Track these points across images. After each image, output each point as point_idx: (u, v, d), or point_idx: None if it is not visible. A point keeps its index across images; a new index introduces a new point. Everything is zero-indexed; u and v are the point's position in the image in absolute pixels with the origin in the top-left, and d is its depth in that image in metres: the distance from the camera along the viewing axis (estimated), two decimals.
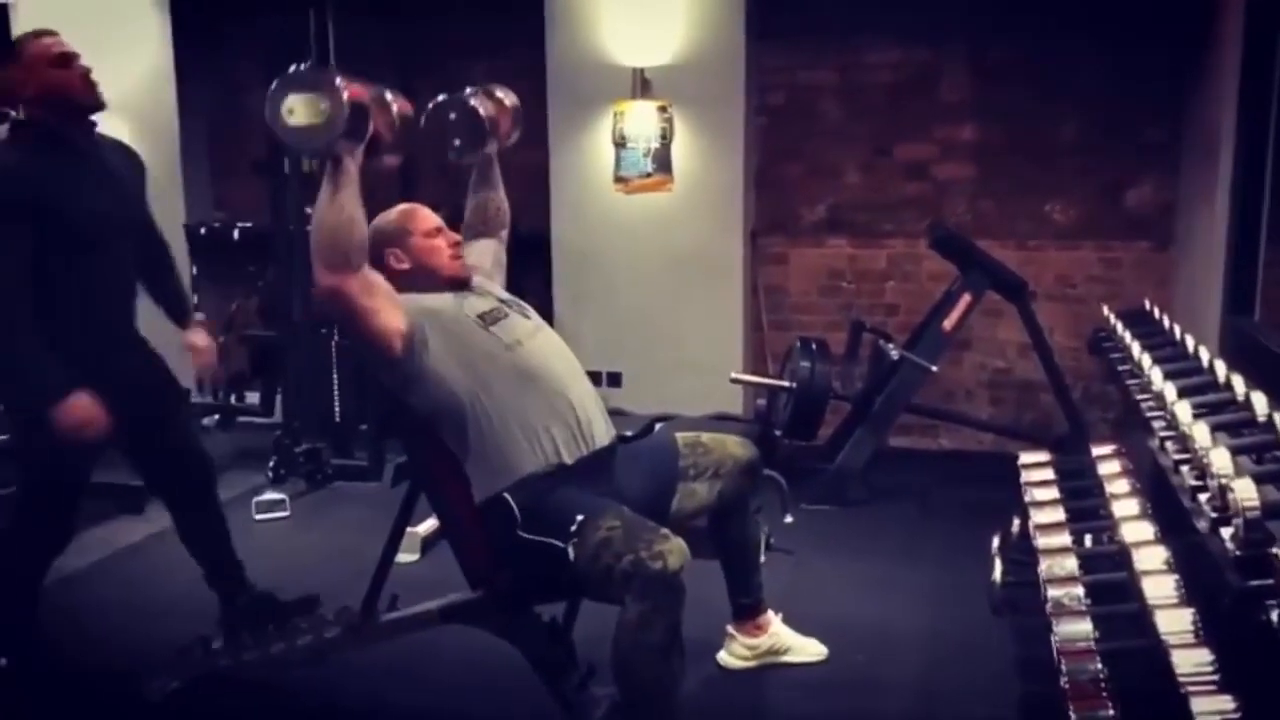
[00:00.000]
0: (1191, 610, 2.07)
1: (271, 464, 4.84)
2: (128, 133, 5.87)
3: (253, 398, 5.55)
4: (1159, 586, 2.18)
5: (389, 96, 2.54)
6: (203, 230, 5.76)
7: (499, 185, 3.07)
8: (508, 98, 3.06)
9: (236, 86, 6.16)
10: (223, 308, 5.96)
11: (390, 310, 2.50)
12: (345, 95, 2.30)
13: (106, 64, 5.75)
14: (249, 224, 5.74)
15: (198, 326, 3.27)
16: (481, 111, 2.90)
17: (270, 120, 2.34)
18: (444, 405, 2.55)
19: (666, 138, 5.35)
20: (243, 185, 5.95)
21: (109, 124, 5.87)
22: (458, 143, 2.88)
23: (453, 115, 2.90)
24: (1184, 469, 2.35)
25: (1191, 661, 1.93)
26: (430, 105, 2.92)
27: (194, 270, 5.86)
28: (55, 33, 2.88)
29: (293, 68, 2.35)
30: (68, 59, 2.84)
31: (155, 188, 5.81)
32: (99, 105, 2.89)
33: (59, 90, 2.81)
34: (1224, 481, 2.00)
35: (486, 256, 3.00)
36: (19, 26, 5.88)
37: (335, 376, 5.05)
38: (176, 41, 5.85)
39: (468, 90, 2.95)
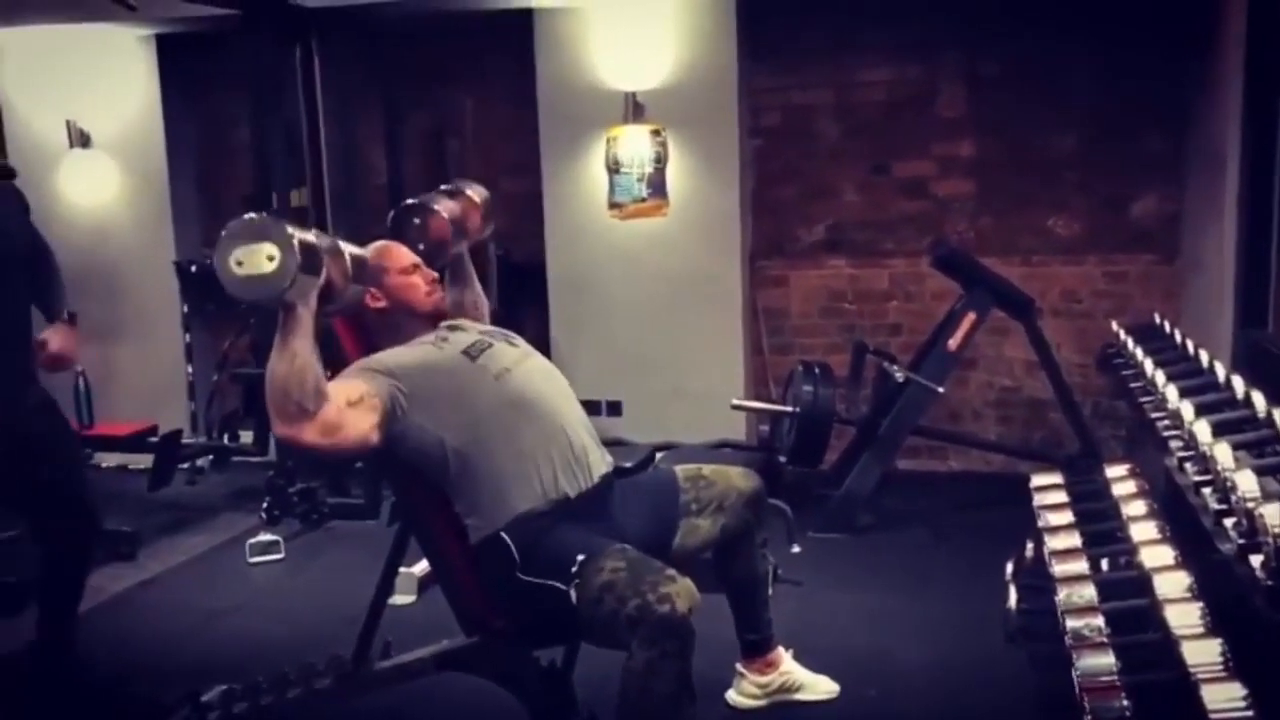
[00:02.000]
0: (1219, 640, 1.97)
1: (265, 504, 4.74)
2: (117, 170, 5.88)
3: (246, 437, 5.45)
4: (1183, 615, 2.08)
5: (341, 244, 2.47)
6: (193, 267, 5.69)
7: (474, 282, 3.01)
8: (476, 194, 3.02)
9: (224, 122, 6.11)
10: (214, 346, 5.90)
11: (356, 421, 2.39)
12: (295, 242, 2.22)
13: (94, 102, 5.85)
14: None
15: (62, 327, 3.15)
16: (445, 214, 2.85)
17: (218, 270, 2.25)
18: (435, 455, 2.47)
19: (661, 162, 5.29)
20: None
21: (97, 162, 5.92)
22: (422, 248, 2.81)
23: (416, 221, 2.86)
24: (1205, 491, 2.26)
25: (1222, 696, 1.83)
26: (392, 213, 2.89)
27: (184, 308, 5.80)
28: None
29: (242, 218, 2.28)
30: None
31: (144, 226, 5.89)
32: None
33: None
34: (1251, 506, 1.91)
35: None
36: (4, 67, 5.88)
37: None
38: (163, 78, 5.81)
39: (435, 192, 2.94)
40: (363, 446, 2.43)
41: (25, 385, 3.06)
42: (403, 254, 2.71)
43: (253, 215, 2.31)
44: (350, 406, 2.38)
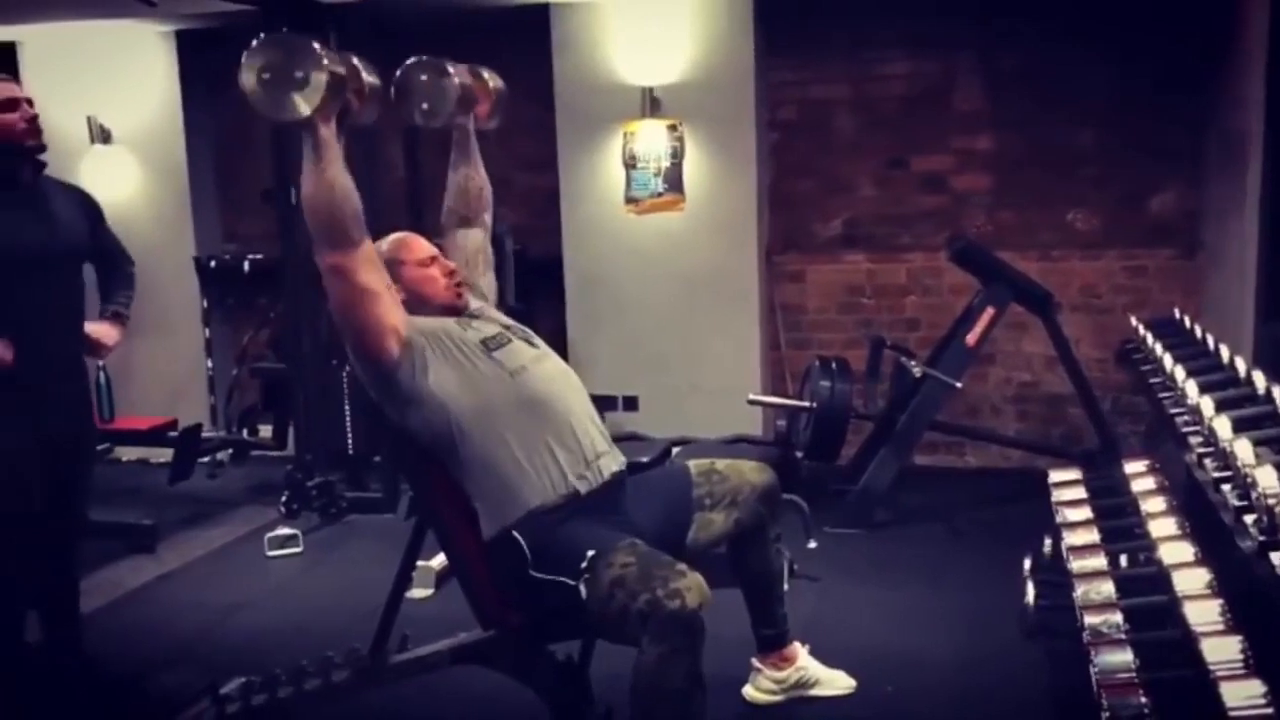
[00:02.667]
0: (1239, 638, 1.96)
1: (284, 498, 4.76)
2: (137, 166, 5.91)
3: (265, 431, 5.48)
4: (1203, 612, 2.07)
5: (358, 63, 2.50)
6: (213, 263, 5.73)
7: (479, 162, 2.97)
8: (491, 79, 3.01)
9: (243, 118, 6.11)
10: (234, 340, 5.93)
11: (390, 303, 2.46)
12: (324, 62, 2.26)
13: (114, 98, 5.88)
14: (259, 255, 5.70)
15: (112, 321, 3.28)
16: (455, 77, 2.83)
17: (242, 81, 2.29)
18: (445, 432, 2.47)
19: (677, 157, 5.28)
20: (252, 217, 5.91)
21: (118, 158, 5.95)
22: (425, 106, 2.82)
23: (423, 77, 2.84)
24: (1225, 487, 2.24)
25: (1242, 694, 1.82)
26: (402, 66, 2.86)
27: (204, 303, 5.83)
28: (6, 76, 3.00)
29: (270, 34, 2.33)
30: (14, 103, 2.94)
31: (164, 221, 5.92)
32: (40, 148, 3.01)
33: (5, 132, 2.90)
34: (1272, 503, 1.89)
35: (476, 253, 2.91)
36: (27, 63, 5.91)
37: (348, 408, 4.99)
38: (183, 74, 5.85)
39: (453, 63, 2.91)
40: (381, 332, 2.44)
41: (69, 384, 3.10)
42: (421, 245, 2.71)
43: (283, 32, 2.34)
44: (389, 288, 2.46)
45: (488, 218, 2.98)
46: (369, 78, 2.54)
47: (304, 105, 2.28)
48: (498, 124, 3.09)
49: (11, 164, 2.93)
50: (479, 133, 3.00)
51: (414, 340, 2.47)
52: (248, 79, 2.29)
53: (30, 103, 2.98)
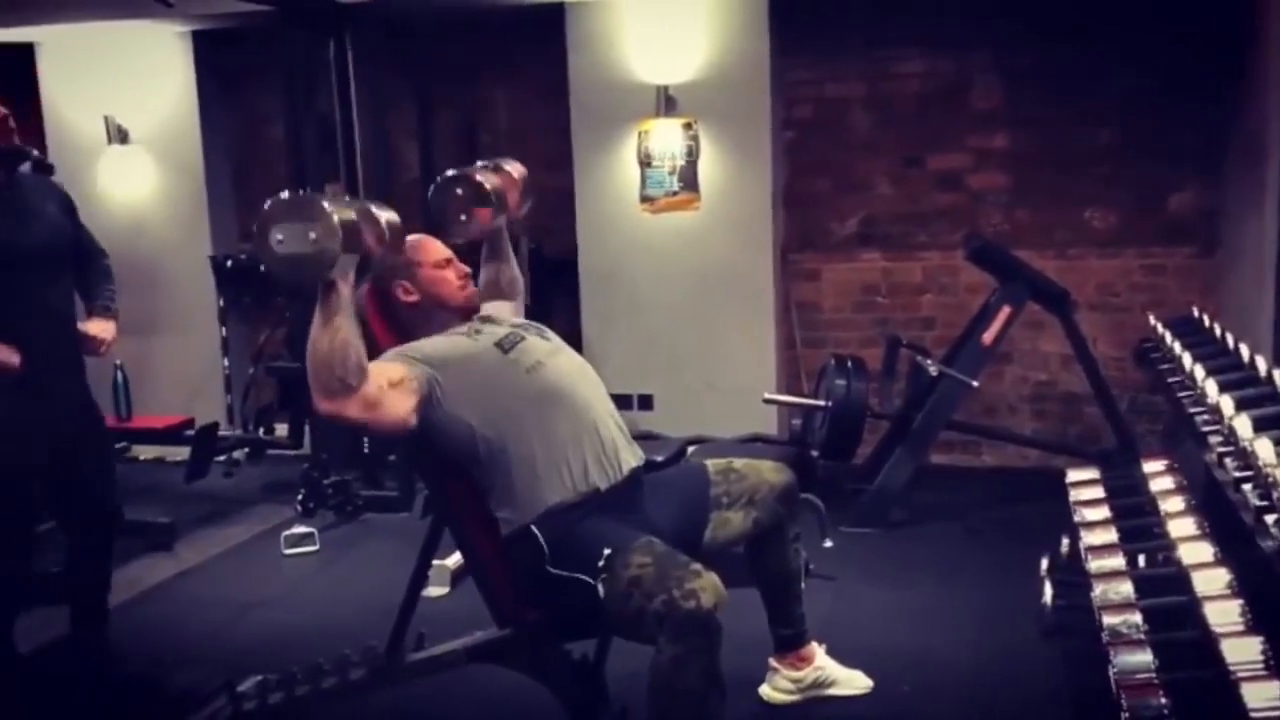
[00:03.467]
0: (1260, 639, 1.95)
1: (300, 497, 4.78)
2: (154, 166, 5.94)
3: (281, 430, 5.50)
4: (1223, 613, 2.05)
5: (374, 209, 2.45)
6: (228, 262, 5.74)
7: (510, 258, 3.03)
8: (515, 170, 3.02)
9: (259, 117, 6.16)
10: (250, 339, 5.95)
11: (395, 402, 2.40)
12: (337, 220, 2.20)
13: (132, 98, 5.91)
14: None
15: (103, 315, 3.26)
16: (487, 185, 2.85)
17: (258, 249, 2.25)
18: (464, 443, 2.48)
19: (692, 155, 5.28)
20: None
21: (135, 158, 5.98)
22: (464, 218, 2.82)
23: (459, 191, 2.85)
24: (1246, 487, 2.22)
25: (1263, 695, 1.81)
26: (436, 181, 2.89)
27: (220, 302, 5.86)
28: None
29: (282, 195, 2.27)
30: None
31: (181, 220, 5.95)
32: (17, 151, 2.99)
33: None
34: None
35: (505, 312, 2.93)
36: (44, 64, 5.95)
37: None
38: (200, 75, 5.87)
39: (475, 165, 2.94)
40: (401, 427, 2.44)
41: (69, 381, 3.12)
42: (436, 248, 2.71)
43: (293, 193, 2.31)
44: (391, 387, 2.39)
45: (519, 302, 3.04)
46: (385, 217, 2.48)
47: (320, 265, 2.22)
48: (529, 208, 3.10)
49: None
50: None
51: (423, 390, 2.45)
52: (262, 243, 2.24)
53: None
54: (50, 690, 3.26)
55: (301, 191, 2.40)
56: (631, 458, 2.60)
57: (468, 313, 2.69)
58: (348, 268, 2.28)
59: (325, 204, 2.24)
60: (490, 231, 2.96)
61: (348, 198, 2.43)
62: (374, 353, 2.61)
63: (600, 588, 2.32)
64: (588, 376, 2.67)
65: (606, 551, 2.33)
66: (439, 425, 2.47)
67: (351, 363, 2.30)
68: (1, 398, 2.85)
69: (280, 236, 2.22)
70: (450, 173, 2.90)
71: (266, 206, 2.26)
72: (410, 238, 2.73)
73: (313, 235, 2.20)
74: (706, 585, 2.22)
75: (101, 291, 3.29)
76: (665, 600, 2.21)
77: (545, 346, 2.65)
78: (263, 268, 2.30)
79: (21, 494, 2.98)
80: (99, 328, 3.22)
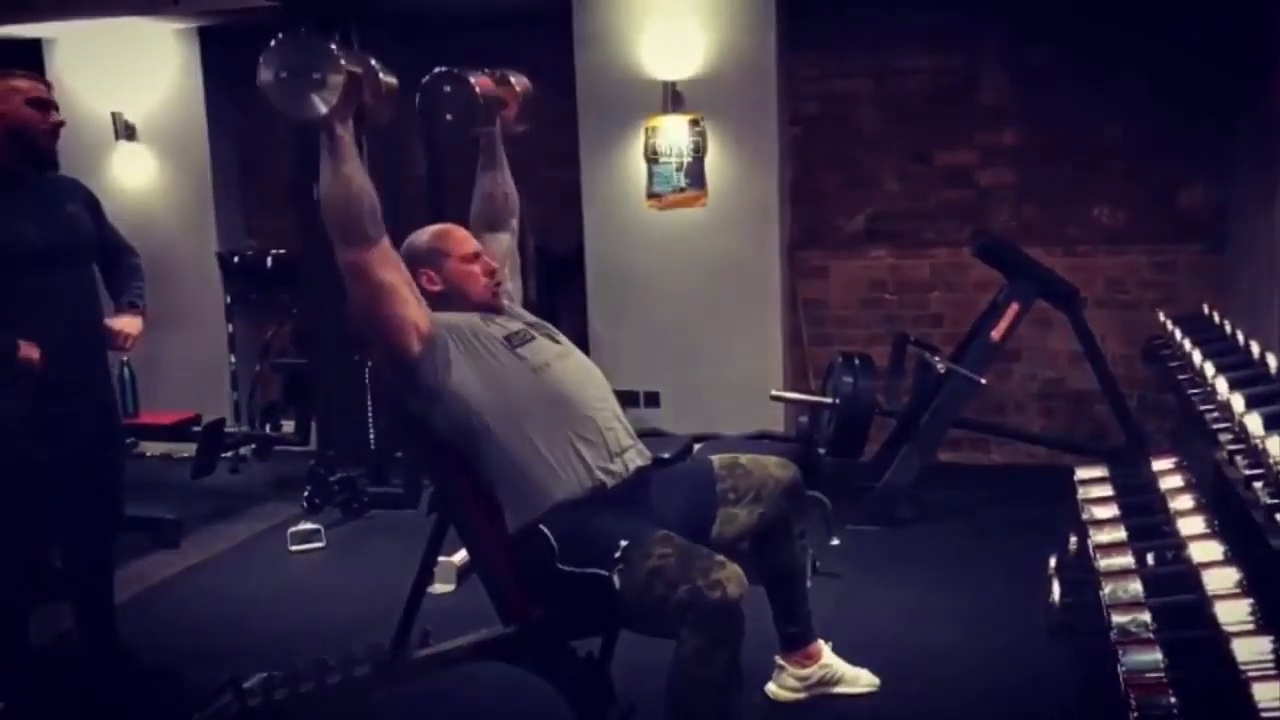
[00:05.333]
0: (1270, 638, 1.93)
1: (306, 493, 4.78)
2: (161, 162, 5.94)
3: (288, 426, 5.50)
4: (1233, 611, 2.04)
5: (375, 64, 2.49)
6: (235, 258, 5.75)
7: (505, 168, 2.98)
8: (518, 82, 2.99)
9: (266, 114, 6.13)
10: (256, 336, 5.95)
11: (411, 299, 2.45)
12: (342, 63, 2.26)
13: (138, 94, 5.91)
14: (282, 251, 5.71)
15: (130, 312, 3.27)
16: (478, 88, 2.82)
17: (260, 78, 2.31)
18: (467, 427, 2.47)
19: (699, 152, 5.26)
20: (274, 213, 5.93)
21: (142, 154, 5.99)
22: (449, 118, 2.81)
23: (447, 88, 2.83)
24: (1257, 484, 2.21)
25: (1273, 695, 1.79)
26: (426, 77, 2.85)
27: (227, 299, 5.86)
28: (37, 77, 2.99)
29: (289, 33, 2.33)
30: (45, 105, 2.93)
31: (188, 216, 5.96)
32: (53, 156, 3.04)
33: (26, 128, 2.89)
34: None
35: (503, 257, 2.89)
36: (54, 60, 5.96)
37: (370, 403, 4.99)
38: (206, 71, 5.88)
39: (479, 70, 2.90)
40: (403, 329, 2.43)
41: (92, 381, 3.11)
42: (466, 240, 2.70)
43: (301, 32, 2.35)
44: (408, 284, 2.45)
45: (515, 223, 2.99)
46: (386, 78, 2.54)
47: (321, 104, 2.28)
48: (527, 127, 3.06)
49: (24, 163, 2.92)
50: (511, 137, 2.99)
51: (436, 336, 2.47)
52: (266, 77, 2.30)
53: (57, 108, 2.98)
54: (58, 684, 3.26)
55: (308, 32, 2.42)
56: (638, 458, 2.59)
57: (489, 309, 2.67)
58: (347, 111, 2.32)
59: (333, 47, 2.29)
60: (483, 137, 2.92)
61: (355, 51, 2.47)
62: None
63: (616, 580, 2.30)
64: (596, 379, 2.66)
65: (623, 543, 2.32)
66: (444, 396, 2.46)
67: (367, 209, 2.35)
68: (24, 395, 2.85)
69: (284, 72, 2.29)
70: (440, 70, 2.86)
71: (274, 40, 2.31)
72: (439, 227, 2.73)
73: (315, 75, 2.27)
74: (731, 575, 2.21)
75: (129, 288, 3.30)
76: (689, 590, 2.20)
77: (554, 348, 2.64)
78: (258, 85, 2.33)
79: (41, 491, 2.98)
80: (125, 323, 3.23)
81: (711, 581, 2.19)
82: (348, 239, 2.36)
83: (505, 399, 2.47)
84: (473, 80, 2.83)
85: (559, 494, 2.44)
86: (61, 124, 2.98)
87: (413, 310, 2.45)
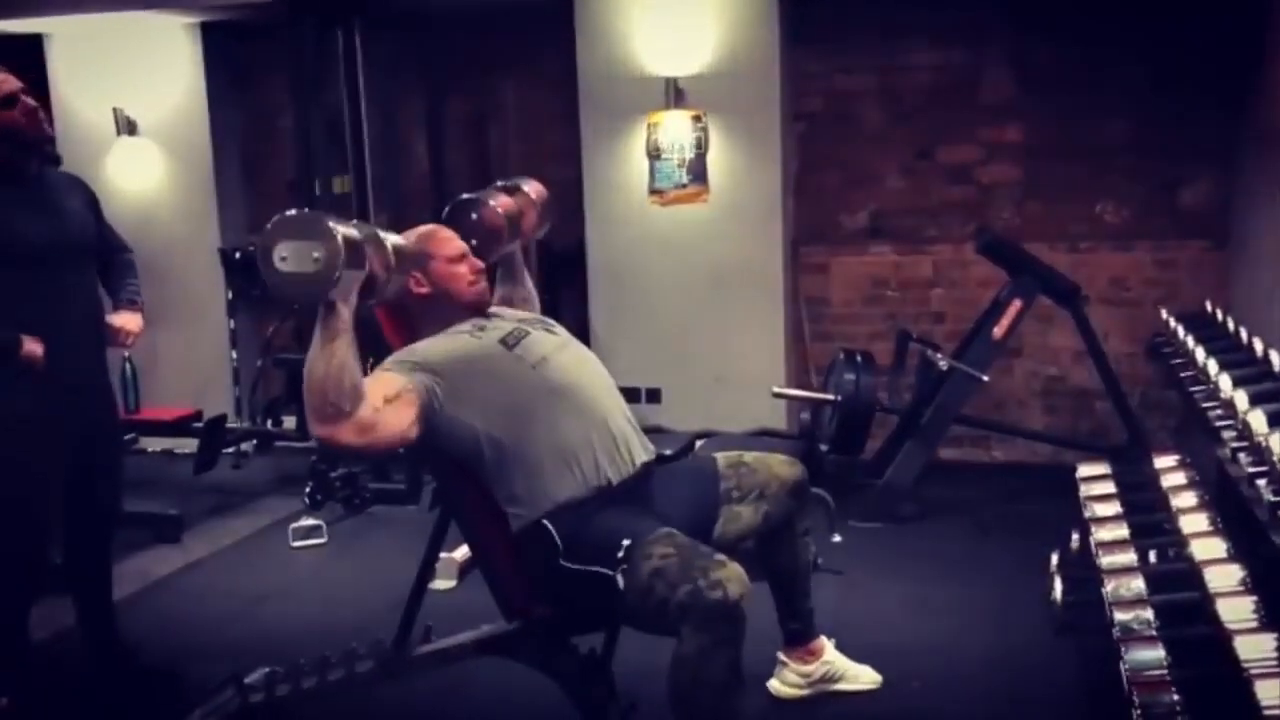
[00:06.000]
0: (1274, 635, 1.93)
1: (308, 489, 4.77)
2: (162, 158, 5.93)
3: (290, 422, 5.49)
4: (1236, 609, 2.04)
5: (382, 234, 2.43)
6: (237, 254, 5.74)
7: (525, 279, 3.00)
8: (533, 190, 2.99)
9: (268, 110, 6.15)
10: (258, 331, 5.95)
11: (393, 419, 2.36)
12: (341, 239, 2.19)
13: (140, 90, 5.90)
14: None
15: (129, 309, 3.27)
16: (500, 210, 2.82)
17: (261, 266, 2.23)
18: (469, 445, 2.46)
19: (702, 148, 5.25)
20: (276, 209, 5.89)
21: (143, 149, 5.98)
22: (474, 243, 2.77)
23: (472, 216, 2.83)
24: (1260, 482, 2.21)
25: (1276, 692, 1.80)
26: (449, 205, 2.86)
27: (229, 294, 5.86)
28: (2, 70, 2.92)
29: (287, 214, 2.25)
30: (12, 99, 2.87)
31: (190, 212, 5.95)
32: (45, 139, 3.01)
33: (11, 127, 2.85)
34: None
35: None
36: (53, 55, 5.95)
37: None
38: (208, 66, 5.86)
39: (493, 187, 2.92)
40: (400, 443, 2.42)
41: (93, 377, 3.11)
42: (451, 241, 2.68)
43: (298, 211, 2.29)
44: (387, 403, 2.36)
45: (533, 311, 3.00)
46: (391, 240, 2.45)
47: (323, 285, 2.21)
48: (548, 227, 3.07)
49: (18, 158, 2.89)
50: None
51: (424, 399, 2.42)
52: (265, 260, 2.22)
53: (26, 92, 2.90)
54: (60, 681, 3.26)
55: (307, 209, 2.38)
56: (642, 451, 2.58)
57: (477, 309, 2.66)
58: (349, 289, 2.27)
59: (330, 223, 2.22)
60: (505, 254, 2.94)
61: (356, 220, 2.40)
62: (383, 351, 2.60)
63: (620, 579, 2.30)
64: (596, 370, 2.65)
65: (626, 542, 2.31)
66: (442, 430, 2.45)
67: (346, 387, 2.27)
68: (28, 391, 2.84)
69: (284, 254, 2.20)
70: (464, 196, 2.87)
71: (271, 224, 2.24)
72: (424, 229, 2.71)
73: (316, 255, 2.18)
74: (732, 575, 2.21)
75: (126, 285, 3.30)
76: (690, 590, 2.19)
77: (552, 341, 2.63)
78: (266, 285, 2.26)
79: (44, 488, 2.98)
80: (126, 320, 3.23)
81: (712, 581, 2.19)
82: (322, 415, 2.28)
83: (505, 403, 2.46)
84: (493, 203, 2.83)
85: (564, 493, 2.43)
86: (35, 108, 2.91)
87: (399, 426, 2.37)
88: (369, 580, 4.02)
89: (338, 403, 2.27)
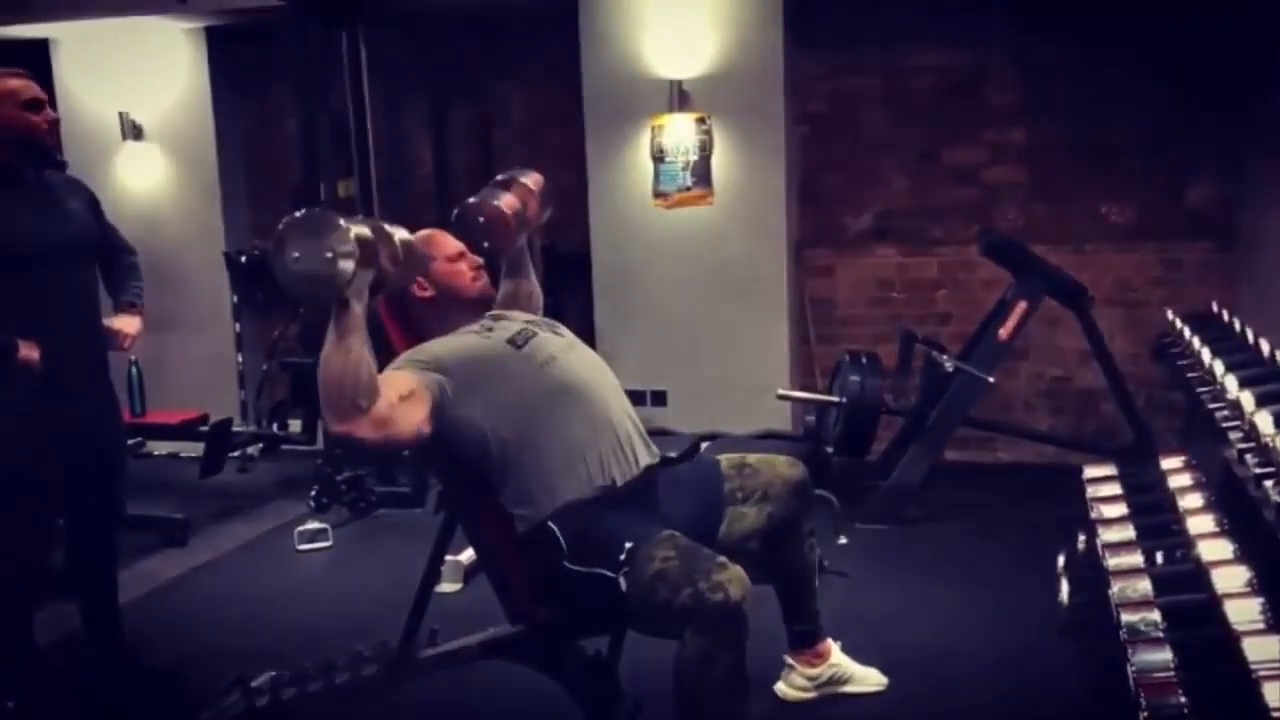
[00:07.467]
0: None
1: (314, 492, 4.78)
2: (168, 162, 5.95)
3: (295, 425, 5.50)
4: (1243, 611, 2.03)
5: (388, 228, 2.43)
6: (242, 258, 5.75)
7: (530, 273, 2.99)
8: (532, 181, 2.97)
9: (273, 113, 6.16)
10: (264, 335, 5.96)
11: (407, 416, 2.37)
12: (353, 238, 2.19)
13: (145, 94, 5.92)
14: None
15: (129, 311, 3.28)
16: (506, 209, 2.81)
17: (274, 267, 2.24)
18: (476, 444, 2.46)
19: (706, 150, 5.26)
20: (281, 212, 5.89)
21: (149, 154, 5.99)
22: (486, 245, 2.78)
23: (480, 220, 2.81)
24: (1267, 483, 2.20)
25: None
26: (455, 212, 2.85)
27: (234, 298, 5.87)
28: (27, 75, 2.94)
29: (297, 214, 2.25)
30: (40, 104, 2.91)
31: (195, 216, 5.97)
32: (56, 151, 3.03)
33: (26, 132, 2.88)
34: None
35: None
36: (59, 60, 5.97)
37: None
38: (213, 70, 5.88)
39: (492, 182, 2.90)
40: (415, 440, 2.43)
41: (93, 379, 3.11)
42: (448, 241, 2.69)
43: (308, 211, 2.29)
44: (402, 401, 2.37)
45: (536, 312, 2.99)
46: (399, 236, 2.46)
47: (337, 284, 2.21)
48: (549, 213, 3.06)
49: (20, 162, 2.90)
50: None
51: (435, 398, 2.42)
52: (278, 261, 2.23)
53: (49, 104, 2.96)
54: (65, 684, 3.26)
55: (318, 209, 2.37)
56: (647, 454, 2.58)
57: (482, 305, 2.67)
58: (362, 286, 2.27)
59: (342, 221, 2.22)
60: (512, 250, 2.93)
61: (362, 216, 2.39)
62: (388, 355, 2.60)
63: (622, 581, 2.29)
64: (602, 371, 2.65)
65: (628, 545, 2.31)
66: (450, 429, 2.45)
67: (363, 383, 2.28)
68: (26, 394, 2.84)
69: (296, 254, 2.21)
70: (469, 201, 2.85)
71: (282, 224, 2.24)
72: (422, 233, 2.71)
73: (329, 253, 2.19)
74: (733, 578, 2.21)
75: (128, 288, 3.31)
76: (692, 593, 2.19)
77: (558, 342, 2.63)
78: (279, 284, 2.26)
79: (44, 491, 2.98)
80: (124, 323, 3.23)
81: (713, 584, 2.19)
82: (339, 412, 2.29)
83: (512, 403, 2.46)
84: (496, 202, 2.82)
85: (569, 494, 2.43)
86: (57, 120, 2.97)
87: (412, 422, 2.38)
88: (374, 583, 4.02)
89: (355, 398, 2.28)
